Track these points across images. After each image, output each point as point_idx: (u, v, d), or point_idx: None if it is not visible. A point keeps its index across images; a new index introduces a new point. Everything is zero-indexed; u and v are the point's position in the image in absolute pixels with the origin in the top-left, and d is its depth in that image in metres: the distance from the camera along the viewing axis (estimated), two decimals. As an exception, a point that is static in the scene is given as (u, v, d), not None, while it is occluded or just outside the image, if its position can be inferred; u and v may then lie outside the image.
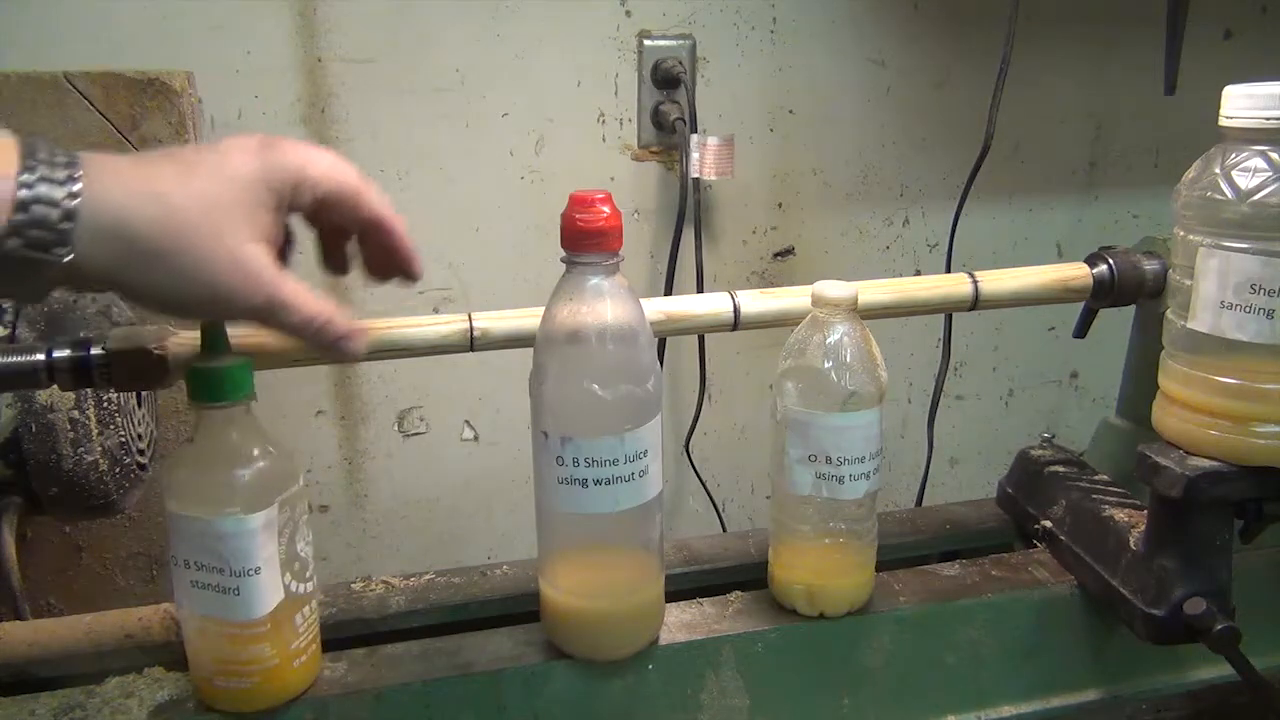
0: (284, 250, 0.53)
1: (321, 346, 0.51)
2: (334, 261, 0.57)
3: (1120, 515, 0.67)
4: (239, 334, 0.59)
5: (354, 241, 0.55)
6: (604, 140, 1.07)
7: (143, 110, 0.87)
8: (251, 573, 0.53)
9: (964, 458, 1.31)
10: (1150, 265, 0.72)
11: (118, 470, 0.69)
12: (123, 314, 0.72)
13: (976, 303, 0.71)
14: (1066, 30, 1.17)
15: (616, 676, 0.62)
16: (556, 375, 0.56)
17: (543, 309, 0.58)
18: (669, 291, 1.09)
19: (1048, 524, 0.73)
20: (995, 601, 0.68)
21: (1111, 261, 0.72)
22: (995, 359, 1.28)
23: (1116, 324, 0.78)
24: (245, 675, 0.55)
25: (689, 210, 1.07)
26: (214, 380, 0.53)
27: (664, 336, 0.74)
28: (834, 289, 0.61)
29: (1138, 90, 1.21)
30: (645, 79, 1.06)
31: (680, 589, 0.70)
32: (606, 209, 0.54)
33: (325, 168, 0.50)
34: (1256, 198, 0.55)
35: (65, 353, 0.57)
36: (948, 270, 1.11)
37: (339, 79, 0.98)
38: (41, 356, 0.56)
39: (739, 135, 1.06)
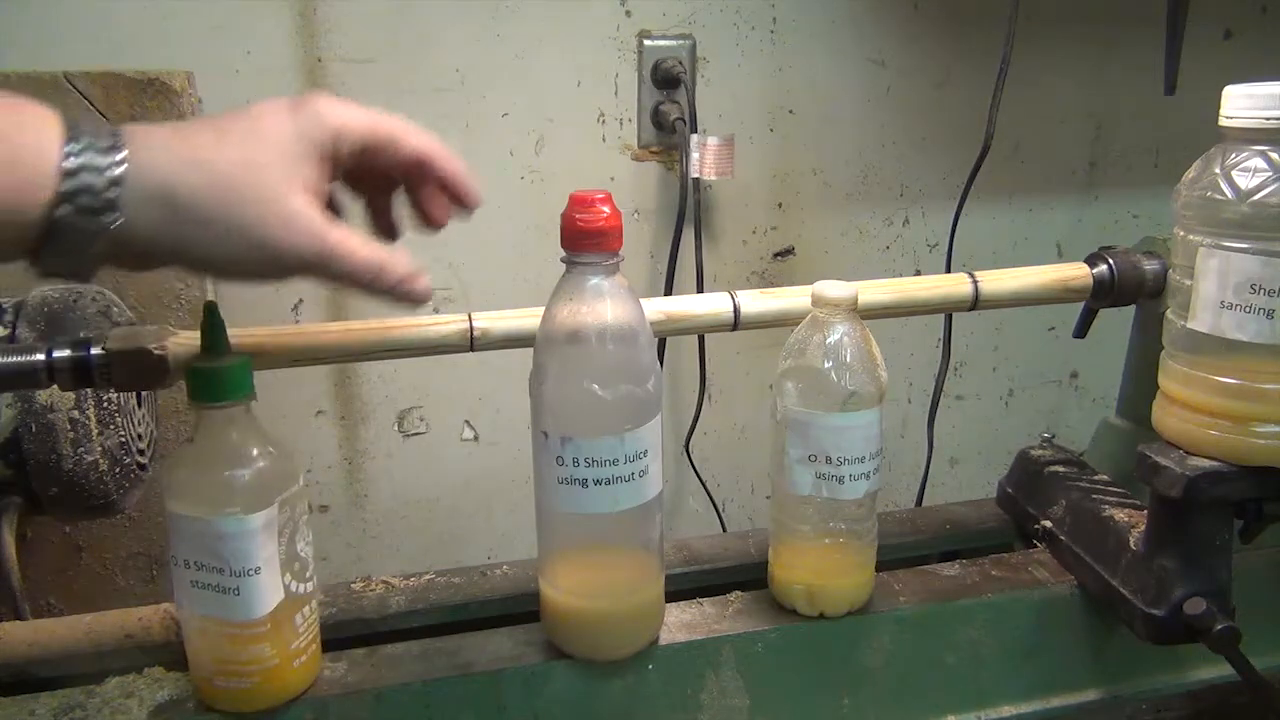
0: (332, 210, 0.52)
1: (381, 293, 0.50)
2: (383, 225, 0.57)
3: (1120, 515, 0.67)
4: (239, 334, 0.59)
5: (399, 206, 0.55)
6: (604, 140, 1.07)
7: (143, 110, 0.87)
8: (251, 573, 0.53)
9: (964, 458, 1.31)
10: (1150, 265, 0.72)
11: (118, 470, 0.69)
12: (123, 314, 0.72)
13: (976, 303, 0.71)
14: (1066, 30, 1.17)
15: (616, 676, 0.62)
16: (556, 375, 0.56)
17: (543, 309, 0.58)
18: (669, 291, 1.09)
19: (1048, 524, 0.73)
20: (995, 601, 0.68)
21: (1111, 261, 0.72)
22: (995, 359, 1.28)
23: (1116, 324, 0.78)
24: (245, 675, 0.55)
25: (689, 210, 1.07)
26: (214, 380, 0.53)
27: (664, 336, 0.74)
28: (834, 289, 0.61)
29: (1138, 90, 1.21)
30: (645, 79, 1.06)
31: (680, 589, 0.70)
32: (606, 209, 0.54)
33: (359, 113, 0.50)
34: (1256, 198, 0.55)
35: (65, 353, 0.57)
36: (948, 270, 1.11)
37: (339, 79, 0.98)
38: (41, 356, 0.56)
39: (739, 135, 1.06)
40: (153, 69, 0.87)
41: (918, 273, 1.21)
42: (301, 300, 1.04)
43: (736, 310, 0.67)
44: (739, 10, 1.07)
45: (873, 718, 0.67)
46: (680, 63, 1.05)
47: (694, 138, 1.03)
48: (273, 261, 0.47)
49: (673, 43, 1.06)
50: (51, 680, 0.63)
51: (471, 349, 0.64)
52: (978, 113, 1.03)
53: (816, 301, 0.62)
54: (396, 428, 1.10)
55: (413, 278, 0.51)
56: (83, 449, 0.67)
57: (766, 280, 1.16)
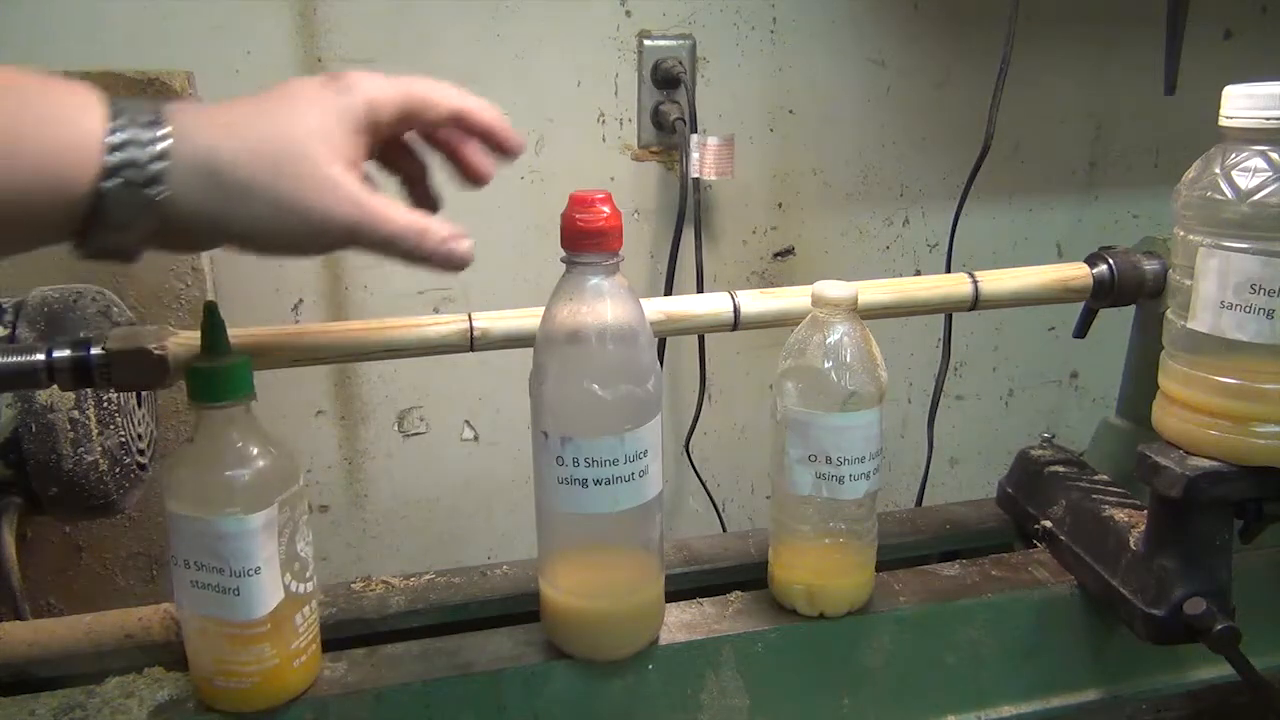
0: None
1: (424, 256, 0.50)
2: (421, 199, 0.58)
3: (1120, 515, 0.67)
4: (239, 334, 0.59)
5: (435, 178, 0.56)
6: (604, 140, 1.07)
7: (143, 110, 0.86)
8: (251, 573, 0.53)
9: (964, 458, 1.31)
10: (1150, 265, 0.72)
11: (118, 470, 0.69)
12: (123, 314, 0.72)
13: (976, 303, 0.71)
14: (1066, 30, 1.17)
15: (616, 676, 0.62)
16: (556, 375, 0.56)
17: (543, 309, 0.58)
18: (669, 291, 1.09)
19: (1048, 524, 0.73)
20: (995, 601, 0.68)
21: (1111, 261, 0.72)
22: (995, 359, 1.28)
23: (1116, 324, 0.78)
24: (245, 675, 0.55)
25: (689, 210, 1.07)
26: (214, 380, 0.53)
27: (664, 336, 0.74)
28: (834, 289, 0.61)
29: (1138, 90, 1.20)
30: (645, 79, 1.06)
31: (680, 589, 0.70)
32: (606, 209, 0.54)
33: (392, 83, 0.51)
34: (1256, 198, 0.55)
35: (65, 353, 0.57)
36: (948, 270, 1.11)
37: (339, 79, 0.98)
38: (41, 356, 0.56)
39: (739, 135, 1.06)
40: (152, 69, 0.87)
41: (918, 273, 1.21)
42: (301, 300, 1.04)
43: (736, 310, 0.67)
44: (739, 10, 1.07)
45: (873, 718, 0.67)
46: (680, 63, 1.05)
47: (694, 138, 1.03)
48: (315, 231, 0.47)
49: (673, 43, 1.06)
50: (51, 680, 0.63)
51: (471, 349, 0.64)
52: (978, 113, 1.03)
53: (816, 301, 0.62)
54: (396, 428, 1.11)
55: (457, 238, 0.51)
56: (83, 449, 0.67)
57: (766, 280, 1.16)
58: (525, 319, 0.64)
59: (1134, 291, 0.72)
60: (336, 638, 0.65)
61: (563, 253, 0.56)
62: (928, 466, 1.20)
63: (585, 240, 0.55)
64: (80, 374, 0.57)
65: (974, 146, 1.02)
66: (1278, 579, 0.72)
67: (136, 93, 0.86)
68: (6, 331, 0.67)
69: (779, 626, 0.64)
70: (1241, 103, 0.57)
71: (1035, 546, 0.74)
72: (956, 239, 1.09)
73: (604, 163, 1.08)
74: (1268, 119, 0.56)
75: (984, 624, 0.68)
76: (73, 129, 0.42)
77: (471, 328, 0.63)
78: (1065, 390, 1.32)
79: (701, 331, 0.76)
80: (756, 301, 0.68)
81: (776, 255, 1.16)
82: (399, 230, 0.49)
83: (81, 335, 0.58)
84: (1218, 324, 0.58)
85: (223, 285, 0.97)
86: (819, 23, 1.10)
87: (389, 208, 0.49)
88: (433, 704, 0.59)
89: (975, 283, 0.70)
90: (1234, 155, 0.57)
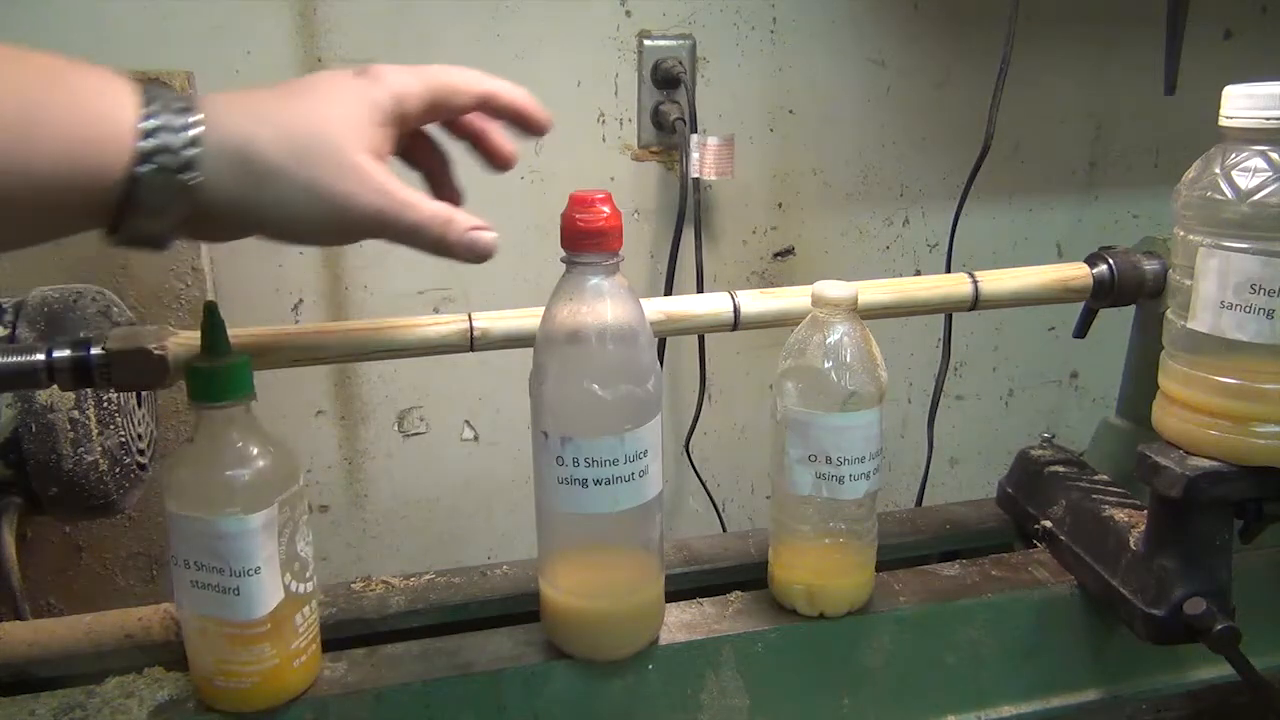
0: None
1: (448, 246, 0.50)
2: (444, 194, 0.58)
3: (1120, 515, 0.67)
4: (239, 334, 0.59)
5: (458, 173, 0.57)
6: (604, 140, 1.07)
7: (143, 110, 0.86)
8: (251, 573, 0.53)
9: (964, 458, 1.31)
10: (1150, 265, 0.72)
11: (118, 470, 0.69)
12: (123, 314, 0.72)
13: (976, 303, 0.71)
14: (1066, 30, 1.17)
15: (616, 676, 0.62)
16: (556, 375, 0.56)
17: (543, 309, 0.58)
18: (669, 291, 1.09)
19: (1048, 524, 0.73)
20: (995, 601, 0.68)
21: (1111, 261, 0.72)
22: (995, 359, 1.28)
23: (1116, 324, 0.78)
24: (245, 675, 0.55)
25: (689, 210, 1.07)
26: (214, 380, 0.53)
27: (664, 336, 0.74)
28: (834, 289, 0.61)
29: (1138, 90, 1.20)
30: (645, 79, 1.06)
31: (680, 589, 0.70)
32: (606, 209, 0.54)
33: (417, 73, 0.51)
34: (1256, 198, 0.55)
35: (65, 353, 0.57)
36: (948, 270, 1.11)
37: (339, 79, 0.98)
38: (41, 356, 0.56)
39: (739, 135, 1.06)
40: (153, 69, 0.87)
41: (918, 273, 1.21)
42: (301, 300, 1.04)
43: (736, 310, 0.67)
44: (739, 10, 1.07)
45: (873, 718, 0.67)
46: (680, 63, 1.05)
47: (694, 138, 1.03)
48: (342, 218, 0.48)
49: (673, 43, 1.06)
50: (51, 680, 0.63)
51: (471, 349, 0.64)
52: (978, 113, 1.03)
53: (816, 301, 0.62)
54: (396, 428, 1.11)
55: (480, 229, 0.51)
56: (83, 449, 0.67)
57: (766, 280, 1.16)
58: (525, 319, 0.64)
59: (1134, 291, 0.72)
60: (336, 638, 0.65)
61: (563, 253, 0.56)
62: (928, 466, 1.20)
63: (585, 240, 0.55)
64: (80, 374, 0.57)
65: (974, 146, 1.02)
66: (1278, 579, 0.72)
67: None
68: (6, 331, 0.67)
69: (779, 626, 0.64)
70: (1241, 103, 0.57)
71: (1035, 546, 0.74)
72: (956, 239, 1.09)
73: (604, 163, 1.08)
74: (1268, 119, 0.56)
75: (984, 624, 0.68)
76: (106, 114, 0.42)
77: (471, 328, 0.63)
78: (1065, 390, 1.32)
79: (701, 331, 0.76)
80: (756, 301, 0.68)
81: (776, 255, 1.16)
82: (424, 219, 0.49)
83: (81, 335, 0.58)
84: (1218, 324, 0.58)
85: (223, 285, 0.97)
86: (819, 23, 1.10)
87: (415, 197, 0.49)
88: (433, 704, 0.59)
89: (975, 283, 0.70)
90: (1234, 155, 0.57)
